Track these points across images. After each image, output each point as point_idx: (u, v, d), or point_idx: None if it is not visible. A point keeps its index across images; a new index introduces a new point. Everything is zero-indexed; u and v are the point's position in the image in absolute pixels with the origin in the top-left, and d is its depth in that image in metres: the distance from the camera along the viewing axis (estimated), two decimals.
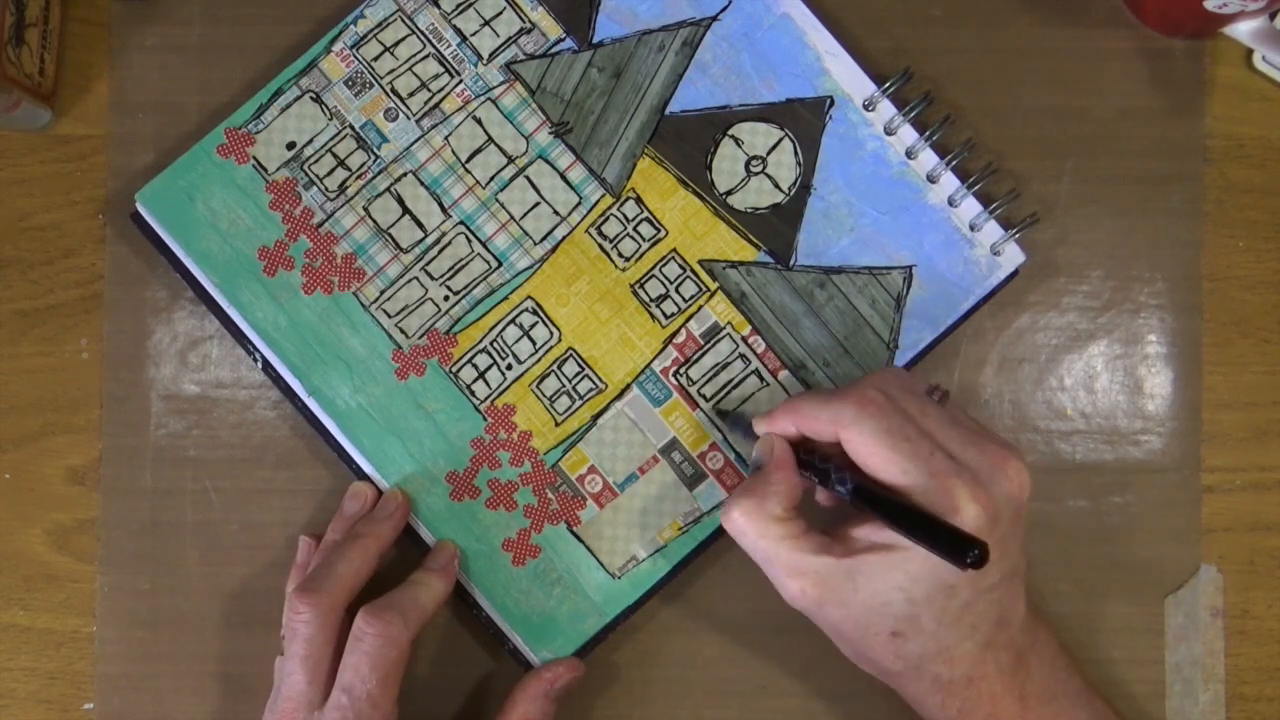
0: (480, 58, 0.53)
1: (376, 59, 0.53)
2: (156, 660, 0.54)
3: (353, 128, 0.53)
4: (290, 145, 0.53)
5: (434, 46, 0.53)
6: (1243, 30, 0.53)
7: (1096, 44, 0.56)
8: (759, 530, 0.46)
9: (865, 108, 0.54)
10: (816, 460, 0.46)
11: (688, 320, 0.53)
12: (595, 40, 0.54)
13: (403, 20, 0.53)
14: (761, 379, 0.53)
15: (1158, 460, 0.55)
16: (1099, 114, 0.56)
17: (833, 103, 0.54)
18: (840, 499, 0.46)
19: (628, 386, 0.53)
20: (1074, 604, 0.55)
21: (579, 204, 0.53)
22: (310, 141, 0.53)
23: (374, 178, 0.53)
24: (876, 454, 0.44)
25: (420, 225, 0.53)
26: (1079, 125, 0.56)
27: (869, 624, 0.45)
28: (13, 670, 0.54)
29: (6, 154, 0.54)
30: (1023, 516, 0.46)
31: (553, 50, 0.54)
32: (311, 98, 0.53)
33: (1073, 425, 0.55)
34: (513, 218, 0.53)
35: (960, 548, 0.41)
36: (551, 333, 0.53)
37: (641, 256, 0.53)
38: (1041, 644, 0.48)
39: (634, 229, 0.53)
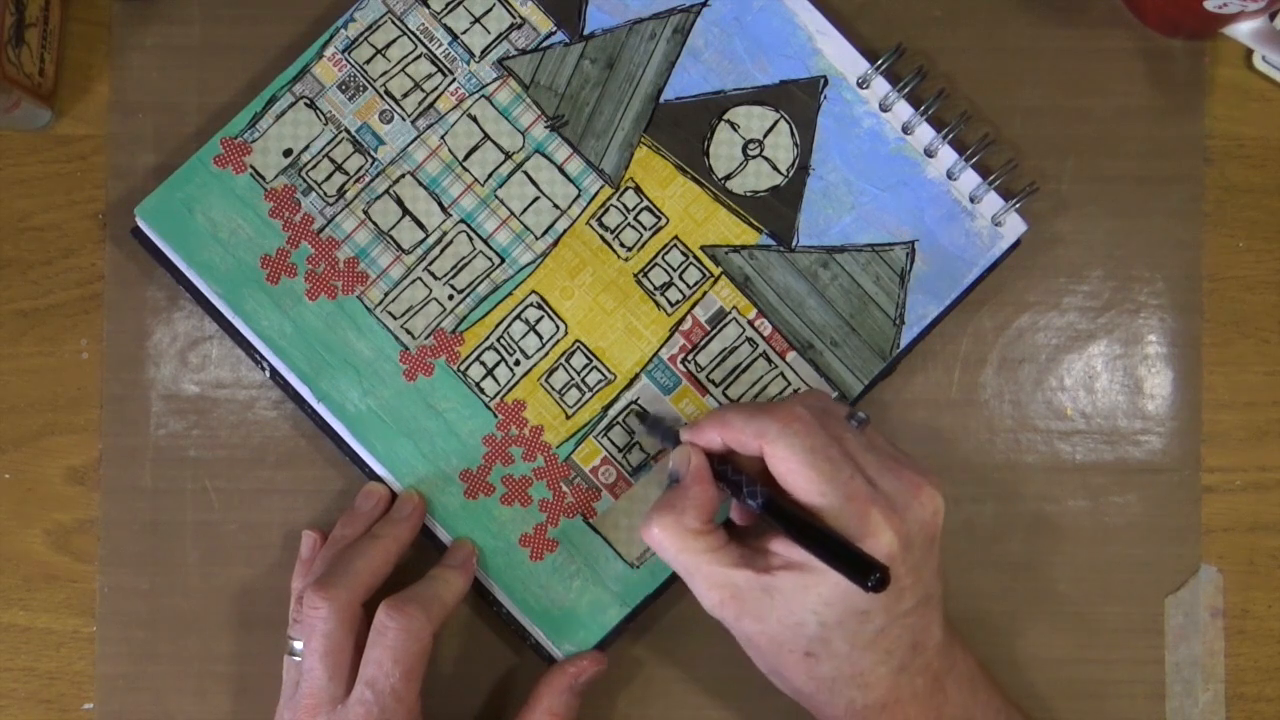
0: (472, 55, 0.53)
1: (369, 62, 0.53)
2: (156, 660, 0.54)
3: (348, 131, 0.53)
4: (287, 152, 0.53)
5: (425, 46, 0.53)
6: (1243, 30, 0.53)
7: (1096, 44, 0.56)
8: (678, 545, 0.46)
9: (859, 85, 0.54)
10: (730, 472, 0.47)
11: (693, 307, 0.53)
12: (586, 32, 0.54)
13: (393, 22, 0.53)
14: (770, 361, 0.53)
15: (1158, 460, 0.55)
16: (1099, 114, 0.56)
17: (826, 82, 0.54)
18: (752, 512, 0.46)
19: (636, 376, 0.53)
20: (1074, 604, 0.55)
21: (578, 196, 0.53)
22: (307, 148, 0.53)
23: (372, 180, 0.53)
24: (798, 471, 0.45)
25: (421, 225, 0.53)
26: (1079, 125, 0.56)
27: (783, 641, 0.46)
28: (13, 670, 0.54)
29: (6, 154, 0.55)
30: (936, 542, 0.46)
31: (544, 44, 0.54)
32: (306, 104, 0.53)
33: (1073, 425, 0.55)
34: (513, 213, 0.53)
35: (864, 570, 0.41)
36: (558, 326, 0.53)
37: (643, 245, 0.53)
38: (959, 666, 0.48)
39: (634, 218, 0.53)
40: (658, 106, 0.54)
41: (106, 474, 0.54)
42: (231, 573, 0.54)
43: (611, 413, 0.53)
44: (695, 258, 0.53)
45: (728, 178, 0.54)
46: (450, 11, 0.53)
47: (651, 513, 0.47)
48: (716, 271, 0.53)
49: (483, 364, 0.53)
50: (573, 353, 0.53)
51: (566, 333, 0.53)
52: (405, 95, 0.53)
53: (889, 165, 0.54)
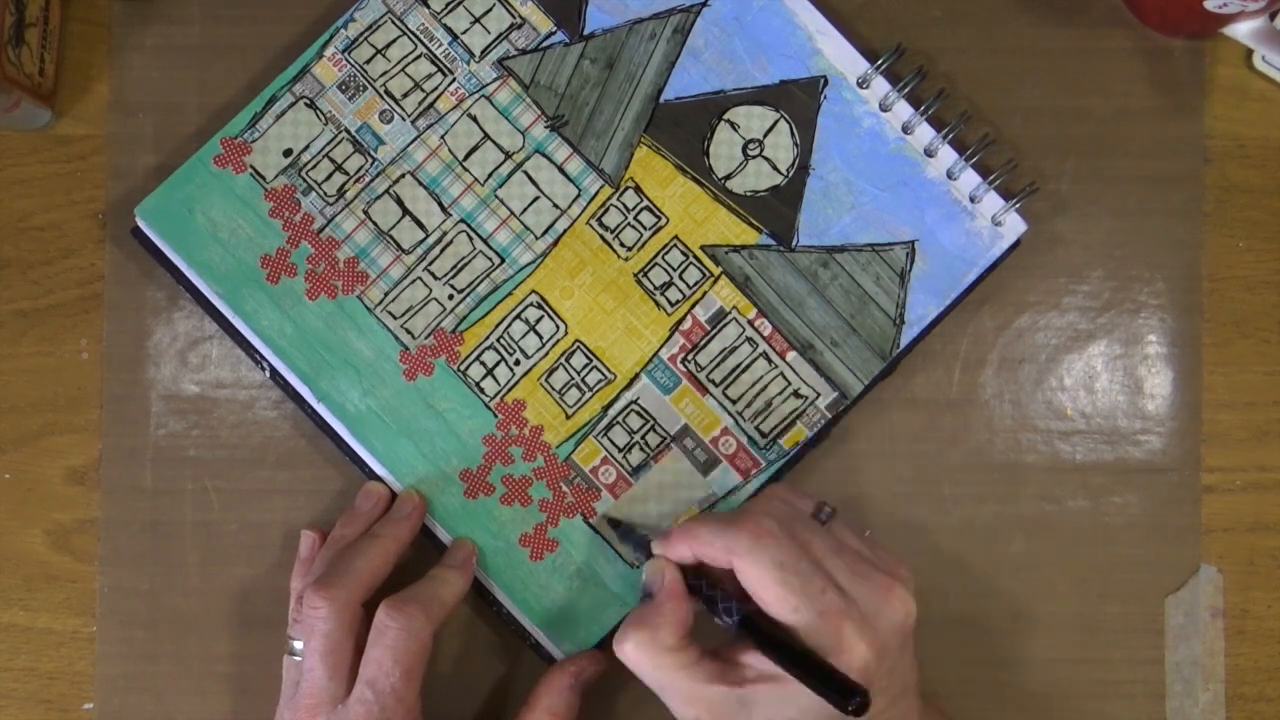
0: (472, 55, 0.53)
1: (369, 62, 0.53)
2: (156, 660, 0.54)
3: (348, 131, 0.53)
4: (287, 152, 0.53)
5: (425, 46, 0.53)
6: (1243, 30, 0.53)
7: (1096, 44, 0.56)
8: (653, 662, 0.46)
9: (859, 85, 0.54)
10: (705, 586, 0.47)
11: (693, 307, 0.53)
12: (586, 32, 0.54)
13: (393, 22, 0.53)
14: (770, 361, 0.53)
15: (1158, 460, 0.55)
16: (1099, 114, 0.56)
17: (826, 82, 0.54)
18: (727, 628, 0.46)
19: (636, 376, 0.53)
20: (1074, 604, 0.55)
21: (578, 196, 0.53)
22: (307, 148, 0.53)
23: (372, 180, 0.53)
24: (769, 588, 0.44)
25: (421, 225, 0.53)
26: (1079, 125, 0.56)
27: None
28: (13, 670, 0.54)
29: (6, 154, 0.55)
30: (909, 637, 0.46)
31: (544, 44, 0.54)
32: (306, 104, 0.53)
33: (1073, 425, 0.55)
34: (513, 213, 0.53)
35: (843, 690, 0.41)
36: (558, 326, 0.53)
37: (643, 245, 0.53)
38: None
39: (634, 218, 0.53)
40: (658, 106, 0.54)
41: (106, 474, 0.54)
42: (231, 573, 0.54)
43: (611, 413, 0.53)
44: (695, 257, 0.53)
45: (728, 178, 0.54)
46: (450, 11, 0.53)
47: (626, 628, 0.46)
48: (716, 271, 0.53)
49: (483, 364, 0.53)
50: (573, 352, 0.53)
51: (566, 332, 0.53)
52: (405, 95, 0.53)
53: (889, 165, 0.54)
